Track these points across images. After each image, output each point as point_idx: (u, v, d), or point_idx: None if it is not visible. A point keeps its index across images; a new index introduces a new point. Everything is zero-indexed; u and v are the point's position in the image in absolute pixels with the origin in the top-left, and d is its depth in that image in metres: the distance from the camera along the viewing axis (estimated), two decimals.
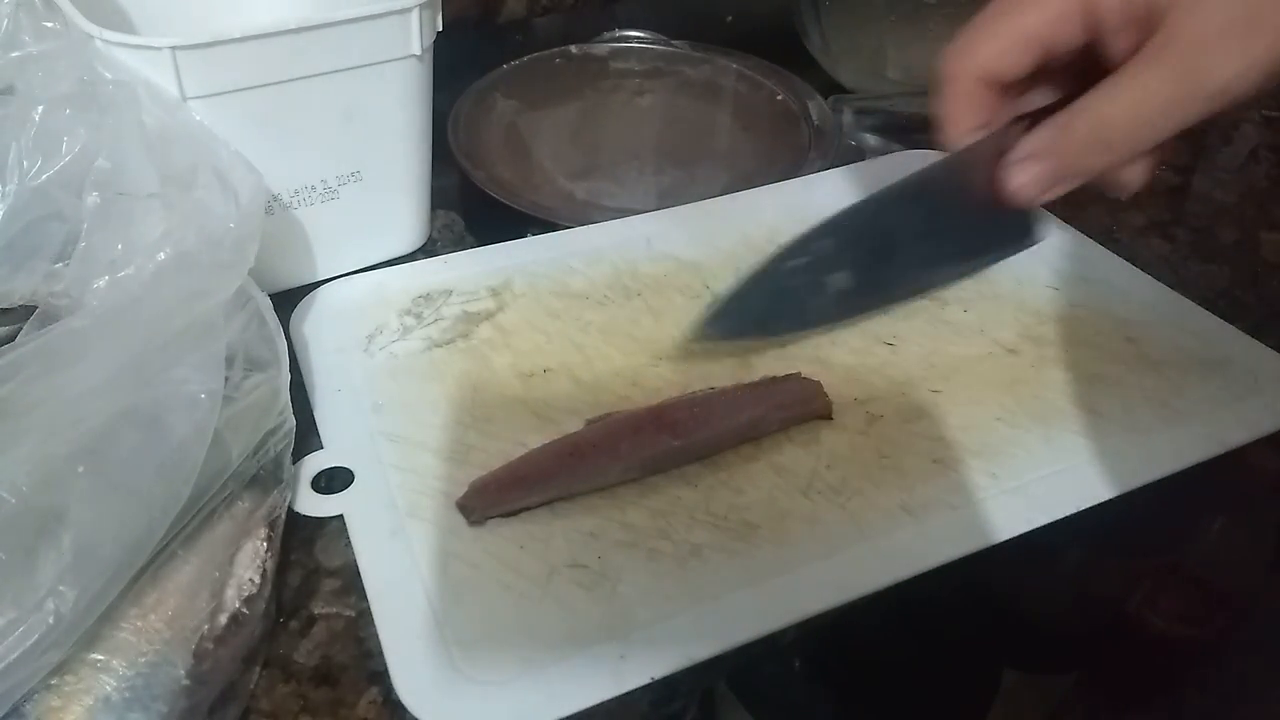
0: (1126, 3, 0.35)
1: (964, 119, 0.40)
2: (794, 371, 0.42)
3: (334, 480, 0.38)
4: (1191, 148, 0.64)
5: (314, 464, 0.38)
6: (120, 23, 0.46)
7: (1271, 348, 0.46)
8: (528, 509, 0.36)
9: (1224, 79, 0.34)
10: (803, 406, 0.41)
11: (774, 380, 0.42)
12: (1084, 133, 0.36)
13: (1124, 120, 0.36)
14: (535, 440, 0.39)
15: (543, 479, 0.37)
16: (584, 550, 0.35)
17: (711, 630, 0.33)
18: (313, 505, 0.37)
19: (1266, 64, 0.34)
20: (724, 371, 0.43)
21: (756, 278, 0.43)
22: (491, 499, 0.36)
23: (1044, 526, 0.37)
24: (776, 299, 0.43)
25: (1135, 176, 0.38)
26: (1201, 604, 0.67)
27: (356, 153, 0.45)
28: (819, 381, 0.42)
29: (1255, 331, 0.47)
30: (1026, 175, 0.38)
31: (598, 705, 0.31)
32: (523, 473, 0.37)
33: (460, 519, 0.36)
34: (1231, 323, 0.47)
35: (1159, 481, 0.40)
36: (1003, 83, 0.39)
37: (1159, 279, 0.50)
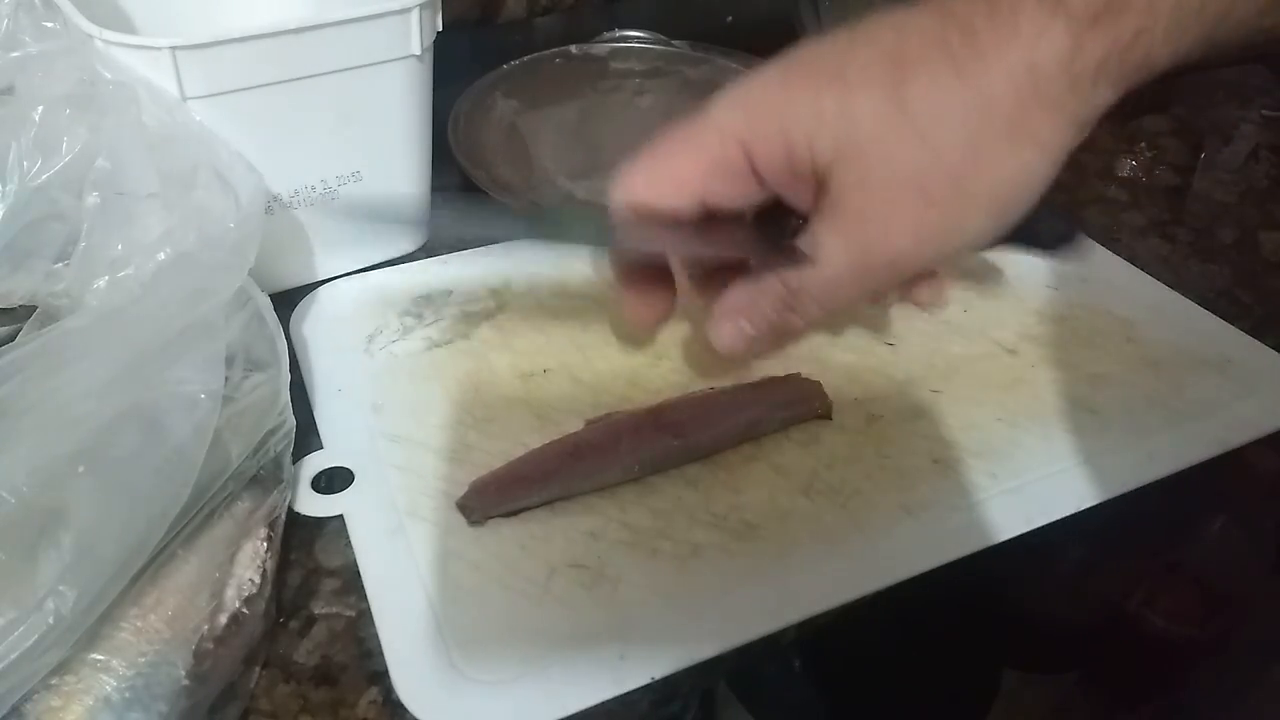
0: (786, 159, 0.32)
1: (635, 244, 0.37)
2: (794, 372, 0.42)
3: (334, 480, 0.38)
4: (1191, 148, 0.64)
5: (314, 464, 0.38)
6: (120, 23, 0.46)
7: (1271, 348, 0.46)
8: (528, 509, 0.36)
9: (897, 250, 0.33)
10: (802, 406, 0.41)
11: (774, 380, 0.42)
12: (773, 301, 0.35)
13: (812, 290, 0.34)
14: (535, 440, 0.39)
15: (543, 478, 0.37)
16: (584, 550, 0.35)
17: (712, 630, 0.33)
18: (313, 505, 0.37)
19: (942, 233, 0.32)
20: (726, 372, 0.43)
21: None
22: (492, 499, 0.36)
23: (1044, 526, 0.37)
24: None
25: (923, 299, 0.39)
26: (1201, 604, 0.67)
27: (356, 153, 0.45)
28: (819, 381, 0.42)
29: (1255, 331, 0.47)
30: (725, 330, 0.36)
31: (598, 705, 0.31)
32: (523, 472, 0.37)
33: (461, 519, 0.36)
34: (1231, 323, 0.47)
35: (1159, 481, 0.40)
36: (665, 221, 0.35)
37: (1159, 279, 0.50)
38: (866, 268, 0.33)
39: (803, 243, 0.34)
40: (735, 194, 0.34)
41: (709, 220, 0.35)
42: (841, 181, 0.32)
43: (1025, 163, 0.31)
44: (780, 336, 0.37)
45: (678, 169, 0.34)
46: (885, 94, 0.30)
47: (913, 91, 0.30)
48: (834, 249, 0.33)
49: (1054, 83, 0.30)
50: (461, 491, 0.37)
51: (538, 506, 0.37)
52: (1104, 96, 0.30)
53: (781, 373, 0.43)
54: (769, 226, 0.36)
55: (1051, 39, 0.29)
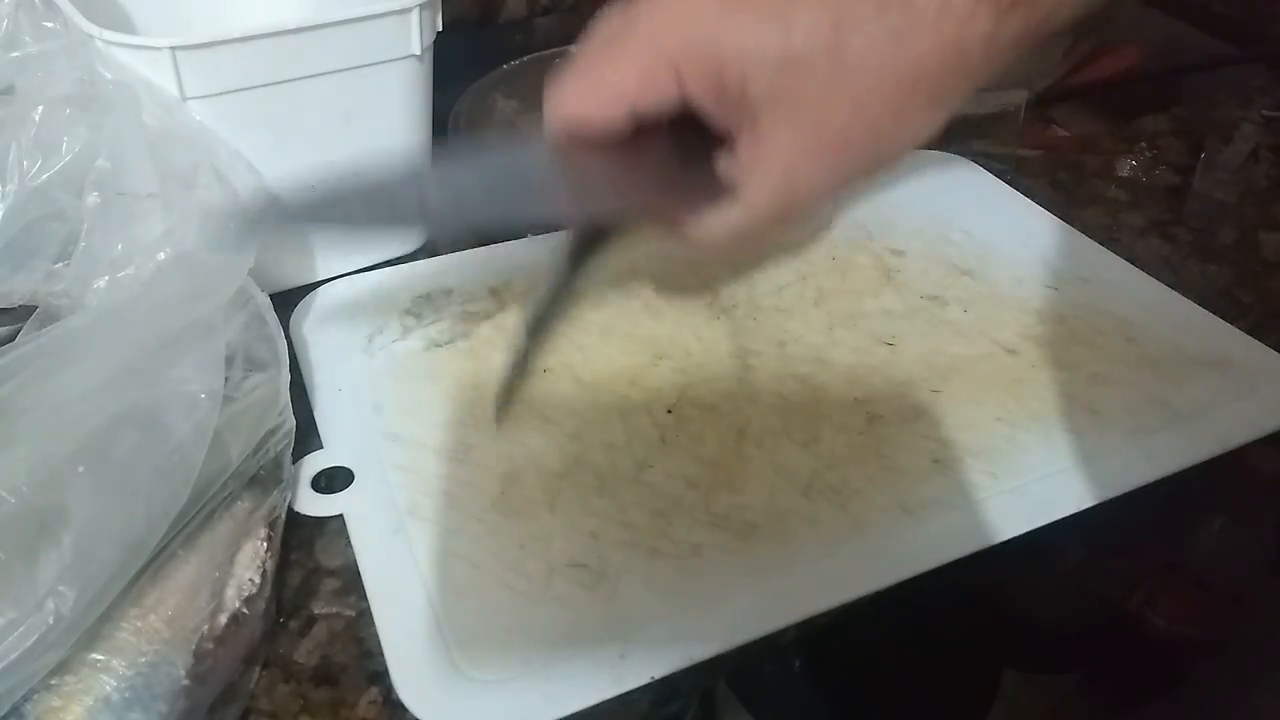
0: (715, 91, 0.33)
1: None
2: (793, 368, 0.42)
3: (334, 480, 0.38)
4: (1191, 148, 0.64)
5: (314, 464, 0.38)
6: (120, 23, 0.46)
7: (1271, 348, 0.46)
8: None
9: (816, 193, 0.35)
10: None
11: None
12: (703, 235, 0.36)
13: (738, 225, 0.36)
14: (535, 440, 0.39)
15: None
16: (584, 550, 0.35)
17: (712, 630, 0.33)
18: (313, 505, 0.37)
19: (852, 176, 0.35)
20: (723, 372, 0.43)
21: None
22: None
23: (1044, 526, 0.37)
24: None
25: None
26: (1201, 604, 0.67)
27: (356, 153, 0.45)
28: None
29: (1255, 331, 0.47)
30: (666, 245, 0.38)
31: (598, 705, 0.31)
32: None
33: (460, 520, 0.36)
34: (1231, 323, 0.47)
35: (1159, 481, 0.40)
36: (596, 136, 0.35)
37: (1159, 279, 0.50)
38: (787, 208, 0.35)
39: (724, 169, 0.35)
40: (661, 103, 0.34)
41: (633, 138, 0.35)
42: (771, 123, 0.33)
43: (934, 120, 0.34)
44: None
45: (609, 78, 0.34)
46: (827, 51, 0.32)
47: (852, 52, 0.32)
48: (760, 190, 0.34)
49: (974, 56, 0.32)
50: (461, 491, 0.37)
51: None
52: (1009, 61, 0.33)
53: (781, 373, 0.43)
54: (685, 133, 0.36)
55: (977, 20, 0.31)
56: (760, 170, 0.34)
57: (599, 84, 0.35)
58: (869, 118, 0.33)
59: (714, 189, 0.35)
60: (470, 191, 0.35)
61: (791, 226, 0.37)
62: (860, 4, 0.32)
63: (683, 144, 0.36)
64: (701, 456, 0.39)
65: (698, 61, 0.33)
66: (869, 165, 0.35)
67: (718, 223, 0.36)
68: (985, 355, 0.45)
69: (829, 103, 0.33)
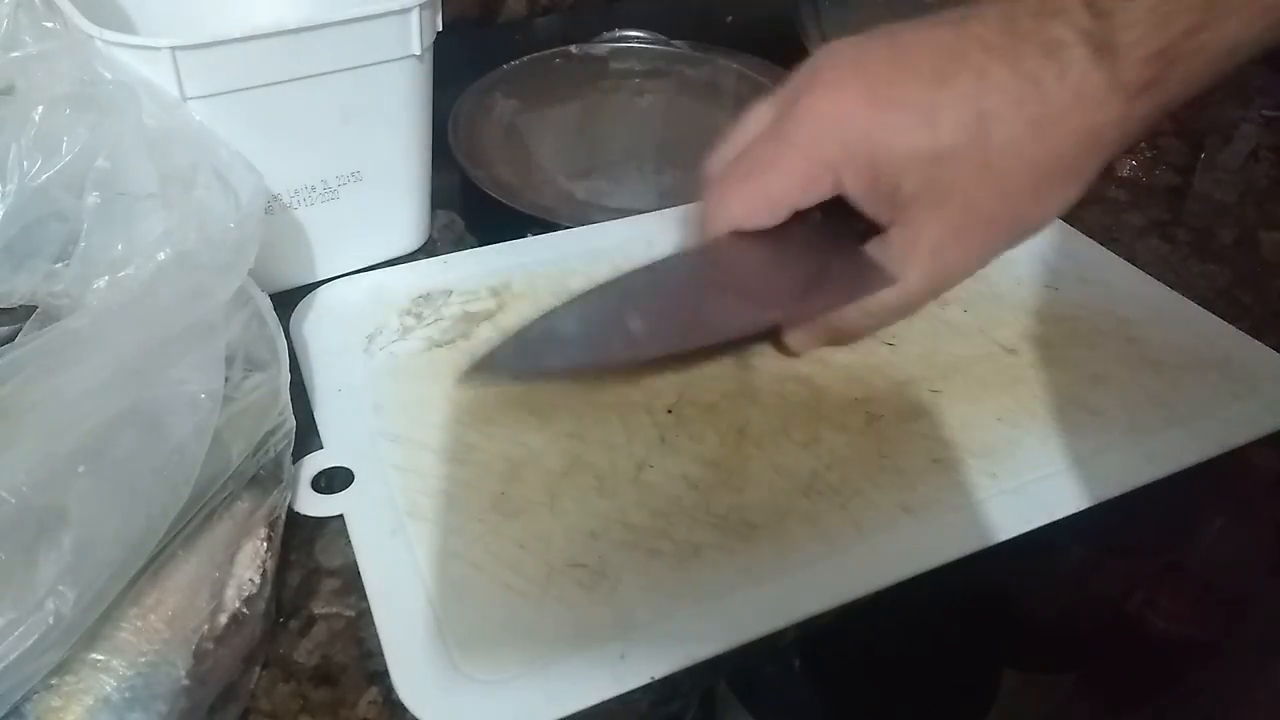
0: (870, 189, 0.37)
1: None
2: (793, 368, 0.43)
3: (334, 480, 0.38)
4: (1191, 148, 0.64)
5: (314, 464, 0.38)
6: (120, 23, 0.46)
7: (1271, 348, 0.46)
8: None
9: (962, 271, 0.39)
10: None
11: None
12: (852, 317, 0.40)
13: (886, 309, 0.40)
14: (535, 440, 0.39)
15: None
16: (584, 550, 0.35)
17: (712, 630, 0.33)
18: (313, 505, 0.37)
19: (1000, 251, 0.38)
20: (723, 372, 0.43)
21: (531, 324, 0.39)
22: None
23: (1044, 526, 0.37)
24: (550, 341, 0.39)
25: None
26: (1201, 604, 0.67)
27: (356, 153, 0.45)
28: None
29: (1255, 331, 0.47)
30: (801, 338, 0.42)
31: (598, 705, 0.31)
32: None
33: (460, 520, 0.36)
34: (1232, 323, 0.47)
35: (1159, 481, 0.40)
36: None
37: (1159, 279, 0.50)
38: (939, 288, 0.39)
39: (875, 253, 0.38)
40: (821, 198, 0.38)
41: (786, 224, 0.39)
42: (923, 213, 0.37)
43: (1071, 196, 0.37)
44: (850, 340, 0.43)
45: (772, 189, 0.38)
46: (972, 148, 0.35)
47: (995, 147, 0.35)
48: (915, 274, 0.38)
49: (1108, 138, 0.35)
50: (461, 492, 0.37)
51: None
52: (1142, 137, 0.38)
53: (781, 370, 0.43)
54: (835, 219, 0.40)
55: (1110, 108, 0.34)
56: (914, 256, 0.38)
57: (764, 194, 0.38)
58: (1012, 201, 0.36)
59: (860, 271, 0.38)
60: (660, 312, 0.40)
61: (938, 297, 0.40)
62: (1001, 99, 0.35)
63: (830, 226, 0.39)
64: (701, 456, 0.39)
65: (855, 163, 0.36)
66: (1012, 241, 0.38)
67: (875, 305, 0.39)
68: (985, 355, 0.45)
69: (976, 192, 0.36)
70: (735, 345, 0.44)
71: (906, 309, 0.40)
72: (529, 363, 0.39)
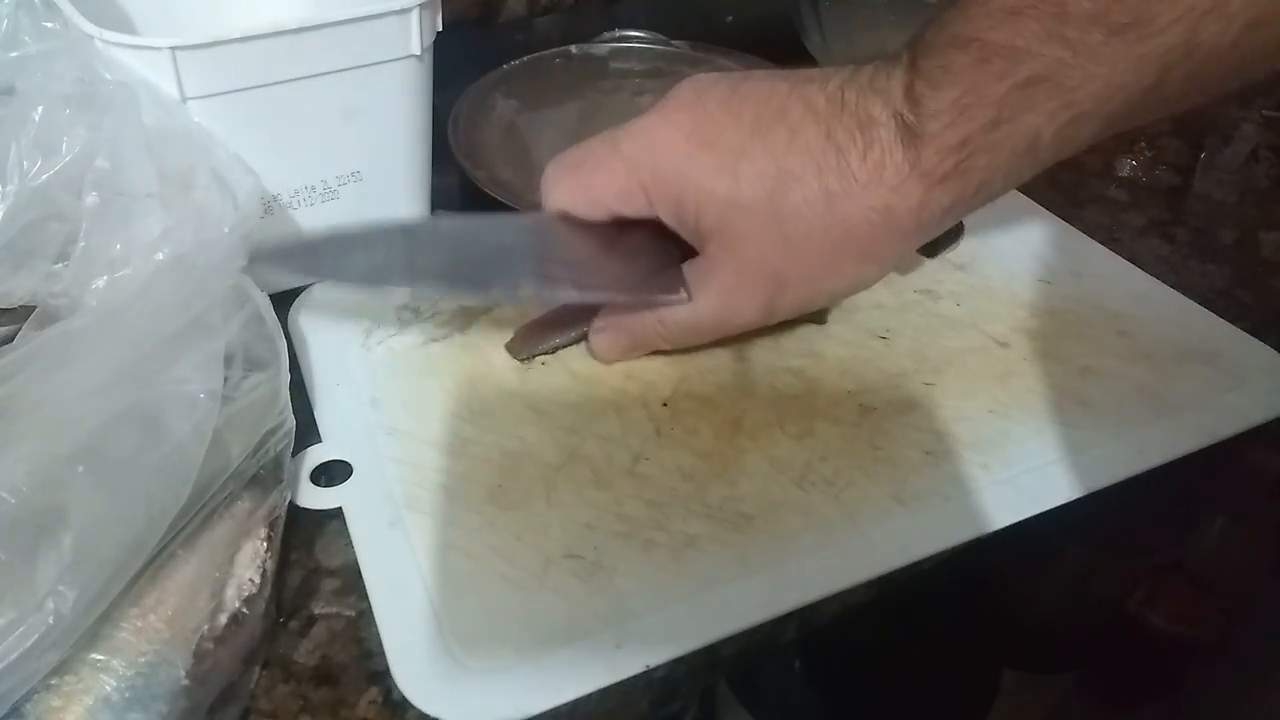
0: (676, 216, 0.39)
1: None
2: (787, 361, 0.43)
3: (332, 473, 0.38)
4: (1191, 148, 0.64)
5: (312, 457, 0.38)
6: (120, 23, 0.46)
7: (1272, 347, 0.46)
8: (561, 347, 0.43)
9: (750, 318, 0.40)
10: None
11: None
12: (650, 326, 0.41)
13: (678, 327, 0.41)
14: (532, 433, 0.39)
15: (575, 322, 0.43)
16: (580, 541, 0.35)
17: (706, 619, 0.33)
18: (312, 498, 0.37)
19: (786, 311, 0.40)
20: (718, 365, 0.43)
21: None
22: (535, 339, 0.43)
23: (1043, 526, 0.37)
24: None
25: None
26: (1201, 604, 0.67)
27: (356, 153, 0.45)
28: None
29: (1255, 331, 0.47)
30: (604, 341, 0.43)
31: (598, 704, 0.31)
32: (560, 318, 0.44)
33: (457, 512, 0.36)
34: (1232, 322, 0.47)
35: (1158, 481, 0.40)
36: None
37: (1159, 279, 0.50)
38: (724, 325, 0.41)
39: (687, 271, 0.40)
40: (637, 213, 0.40)
41: (618, 223, 0.41)
42: (717, 251, 0.38)
43: (866, 275, 0.39)
44: (645, 349, 0.43)
45: (593, 188, 0.40)
46: (766, 203, 0.36)
47: (788, 208, 0.36)
48: (704, 304, 0.40)
49: (904, 223, 0.36)
50: (458, 484, 0.37)
51: (568, 346, 0.43)
52: (946, 226, 0.37)
53: (776, 364, 0.43)
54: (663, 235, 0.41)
55: (906, 191, 0.35)
56: (706, 287, 0.39)
57: (585, 189, 0.40)
58: (801, 263, 0.37)
59: (668, 283, 0.40)
60: (458, 257, 0.41)
61: (729, 334, 0.42)
62: (805, 162, 0.36)
63: (661, 236, 0.41)
64: (696, 449, 0.39)
65: (663, 190, 0.38)
66: (802, 304, 0.40)
67: (669, 319, 0.41)
68: (978, 348, 0.45)
69: (766, 246, 0.37)
70: (731, 340, 0.44)
71: (696, 333, 0.41)
72: (308, 265, 0.41)
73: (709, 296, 0.39)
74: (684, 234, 0.39)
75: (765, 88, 0.38)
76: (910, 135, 0.34)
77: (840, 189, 0.35)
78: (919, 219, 0.35)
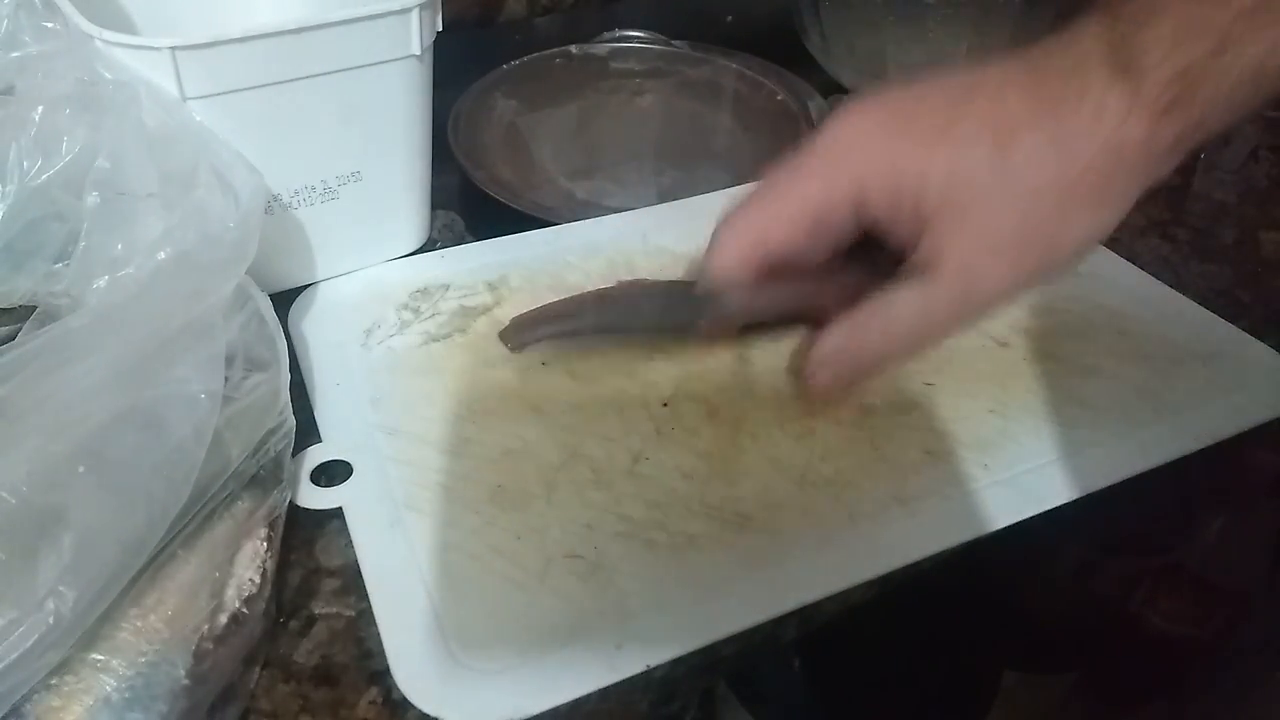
0: (893, 205, 0.36)
1: (731, 271, 0.40)
2: (787, 362, 0.43)
3: (333, 473, 0.38)
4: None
5: (313, 457, 0.38)
6: (120, 23, 0.46)
7: (1272, 347, 0.46)
8: (554, 337, 0.43)
9: (993, 293, 0.37)
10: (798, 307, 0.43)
11: None
12: (875, 341, 0.38)
13: (907, 332, 0.38)
14: (532, 433, 0.39)
15: (570, 316, 0.43)
16: (580, 541, 0.35)
17: (706, 619, 0.33)
18: (312, 498, 0.37)
19: (1028, 279, 0.37)
20: (720, 365, 0.43)
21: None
22: (527, 330, 0.43)
23: (1044, 525, 0.37)
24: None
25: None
26: (1201, 604, 0.67)
27: (356, 153, 0.45)
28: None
29: (1255, 331, 0.47)
30: (827, 375, 0.40)
31: (598, 704, 0.31)
32: (556, 310, 0.43)
33: (457, 512, 0.36)
34: (1232, 323, 0.47)
35: (1157, 479, 0.40)
36: (774, 254, 0.38)
37: (1159, 279, 0.50)
38: (964, 310, 0.38)
39: (910, 269, 0.37)
40: (830, 235, 0.38)
41: (802, 271, 0.39)
42: (944, 231, 0.36)
43: (1104, 220, 0.36)
44: (871, 369, 0.41)
45: (785, 212, 0.38)
46: (990, 161, 0.35)
47: (1015, 161, 0.34)
48: (941, 286, 0.36)
49: (1134, 159, 0.34)
50: (459, 485, 0.37)
51: (561, 338, 0.43)
52: (1173, 162, 0.35)
53: (777, 364, 0.43)
54: (858, 264, 0.40)
55: (1131, 126, 0.33)
56: (939, 269, 0.36)
57: (776, 217, 0.38)
58: (1036, 220, 0.35)
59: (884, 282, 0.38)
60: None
61: (967, 325, 0.39)
62: (1019, 117, 0.34)
63: (858, 275, 0.39)
64: (697, 449, 0.39)
65: (874, 184, 0.36)
66: (1043, 265, 0.37)
67: (899, 312, 0.37)
68: (978, 348, 0.45)
69: (996, 205, 0.35)
70: (731, 341, 0.44)
71: (930, 324, 0.38)
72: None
73: (944, 277, 0.37)
74: (900, 228, 0.37)
75: (945, 80, 0.37)
76: (1125, 72, 0.33)
77: (1064, 132, 0.34)
78: (1147, 153, 0.34)
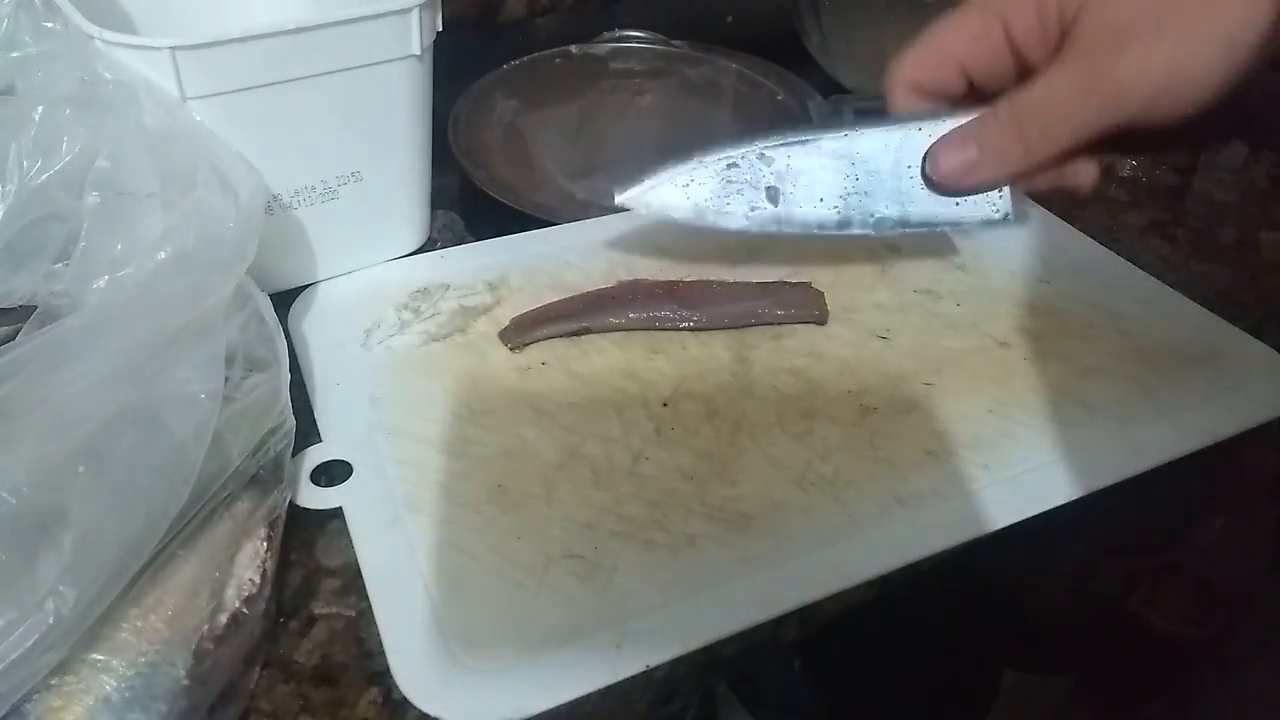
0: (1040, 23, 0.39)
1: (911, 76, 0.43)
2: (787, 361, 0.43)
3: (333, 473, 0.38)
4: (1191, 148, 0.64)
5: (313, 457, 0.38)
6: (120, 23, 0.46)
7: (1271, 347, 0.46)
8: (553, 337, 0.44)
9: (1123, 80, 0.37)
10: (801, 309, 0.45)
11: (781, 283, 0.47)
12: (1004, 123, 0.41)
13: (1037, 114, 0.39)
14: (531, 433, 0.40)
15: (569, 316, 0.44)
16: (580, 541, 0.35)
17: (706, 619, 0.33)
18: (312, 498, 0.37)
19: (1166, 68, 0.37)
20: (719, 365, 0.43)
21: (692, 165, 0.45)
22: (527, 329, 0.44)
23: (1044, 525, 0.37)
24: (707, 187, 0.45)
25: (1083, 179, 0.42)
26: (1201, 604, 0.67)
27: (356, 153, 0.45)
28: (822, 292, 0.46)
29: (1255, 331, 0.47)
30: (952, 159, 0.42)
31: (598, 704, 0.31)
32: (554, 311, 0.45)
33: (457, 512, 0.36)
34: (1232, 323, 0.47)
35: (1157, 478, 0.40)
36: (931, 95, 0.43)
37: (1159, 279, 0.50)
38: (1091, 95, 0.38)
39: (1024, 85, 0.39)
40: (991, 65, 0.41)
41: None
42: (1083, 26, 0.37)
43: (1244, 16, 0.35)
44: (999, 167, 0.42)
45: (943, 44, 0.41)
46: None
47: None
48: (1063, 79, 0.38)
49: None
50: (458, 484, 0.37)
51: (560, 337, 0.44)
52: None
53: (776, 363, 0.43)
54: None
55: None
56: (1064, 65, 0.38)
57: (936, 49, 0.41)
58: (1176, 5, 0.36)
59: None
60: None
61: (1097, 117, 0.38)
62: None
63: None
64: (696, 449, 0.39)
65: (1021, 7, 0.39)
66: (1180, 55, 0.36)
67: (1031, 97, 0.39)
68: (978, 348, 0.45)
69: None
70: (731, 341, 0.44)
71: (1056, 116, 0.39)
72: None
73: (1070, 68, 0.38)
74: (1048, 36, 0.39)
75: None
76: None
77: None
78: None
